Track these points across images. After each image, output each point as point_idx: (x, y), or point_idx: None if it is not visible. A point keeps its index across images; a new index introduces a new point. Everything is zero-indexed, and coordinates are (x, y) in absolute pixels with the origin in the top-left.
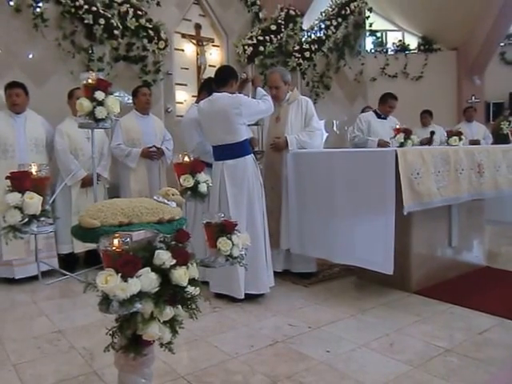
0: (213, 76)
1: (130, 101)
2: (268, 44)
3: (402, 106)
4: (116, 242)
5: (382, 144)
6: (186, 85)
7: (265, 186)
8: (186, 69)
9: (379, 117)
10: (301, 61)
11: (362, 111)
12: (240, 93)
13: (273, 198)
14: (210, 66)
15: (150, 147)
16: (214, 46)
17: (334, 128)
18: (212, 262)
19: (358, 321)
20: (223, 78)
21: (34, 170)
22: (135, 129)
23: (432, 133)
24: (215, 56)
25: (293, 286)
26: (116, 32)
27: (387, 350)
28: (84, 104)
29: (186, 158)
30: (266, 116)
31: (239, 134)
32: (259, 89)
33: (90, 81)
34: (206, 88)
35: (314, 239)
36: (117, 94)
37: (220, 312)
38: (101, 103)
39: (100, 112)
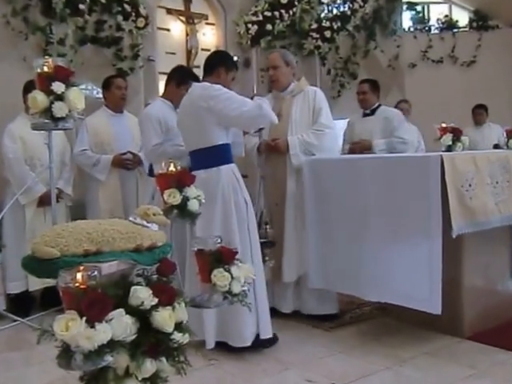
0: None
1: (100, 95)
2: (277, 21)
3: (448, 98)
4: (80, 276)
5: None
6: None
7: (265, 202)
8: (173, 54)
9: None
10: (320, 43)
11: (396, 106)
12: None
13: (276, 218)
14: (203, 49)
15: (124, 153)
16: (208, 24)
17: None
18: (206, 302)
19: (395, 374)
20: (209, 65)
21: None
22: (105, 130)
23: None
24: (210, 37)
25: (310, 330)
26: (82, 7)
27: None
28: (38, 98)
29: (172, 168)
30: (255, 128)
31: (211, 135)
32: None
33: (45, 69)
34: (177, 79)
35: (338, 270)
36: (83, 86)
37: (217, 365)
38: (60, 97)
39: (59, 109)
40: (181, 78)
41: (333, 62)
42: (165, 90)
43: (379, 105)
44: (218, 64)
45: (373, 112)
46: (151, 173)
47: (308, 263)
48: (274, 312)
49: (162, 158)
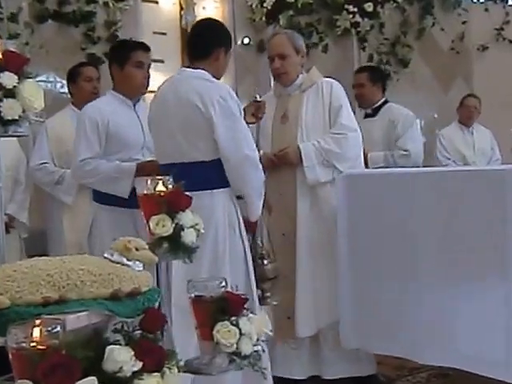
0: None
1: (65, 89)
2: None
3: None
4: (37, 332)
5: None
6: (161, 61)
7: (269, 232)
8: (163, 34)
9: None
10: (358, 18)
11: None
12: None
13: (283, 253)
14: None
15: None
16: None
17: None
18: (206, 366)
19: None
20: (203, 45)
21: None
22: (72, 136)
23: None
24: (212, 12)
25: None
26: None
27: None
28: None
29: (160, 186)
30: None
31: (205, 146)
32: None
33: None
34: (117, 59)
35: (381, 324)
36: (42, 77)
37: None
38: (11, 93)
39: (9, 108)
40: (122, 54)
41: (376, 44)
42: (112, 80)
43: (385, 101)
44: (216, 44)
45: (375, 112)
46: (96, 196)
47: (342, 316)
48: (281, 381)
49: (92, 179)
